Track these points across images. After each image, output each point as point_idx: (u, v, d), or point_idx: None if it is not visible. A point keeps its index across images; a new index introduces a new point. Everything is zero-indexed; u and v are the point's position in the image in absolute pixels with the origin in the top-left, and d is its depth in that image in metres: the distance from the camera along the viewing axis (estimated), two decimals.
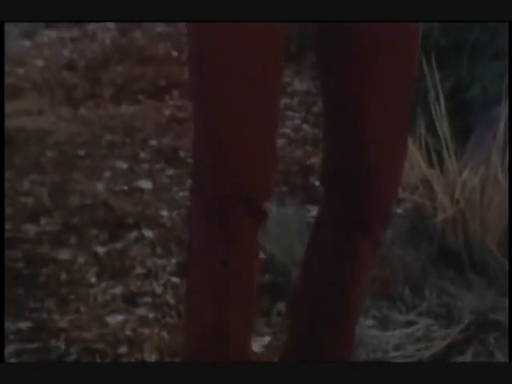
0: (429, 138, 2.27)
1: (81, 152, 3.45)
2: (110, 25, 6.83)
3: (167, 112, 4.03)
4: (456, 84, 3.26)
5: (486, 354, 1.78)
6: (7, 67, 5.43)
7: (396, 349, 1.82)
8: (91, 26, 6.84)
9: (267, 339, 2.03)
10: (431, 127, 2.28)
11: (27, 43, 6.22)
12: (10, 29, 6.54)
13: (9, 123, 3.81)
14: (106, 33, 6.49)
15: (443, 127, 2.24)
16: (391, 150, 1.38)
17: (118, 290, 2.31)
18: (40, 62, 5.57)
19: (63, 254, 2.52)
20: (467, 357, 1.76)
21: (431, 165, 2.24)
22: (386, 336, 1.88)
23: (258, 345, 1.99)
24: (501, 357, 1.77)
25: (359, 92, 1.38)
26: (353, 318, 1.49)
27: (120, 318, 2.17)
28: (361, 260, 1.44)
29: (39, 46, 6.06)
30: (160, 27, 5.99)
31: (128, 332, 2.10)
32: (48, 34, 6.53)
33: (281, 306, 2.14)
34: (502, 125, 2.22)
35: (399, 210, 2.34)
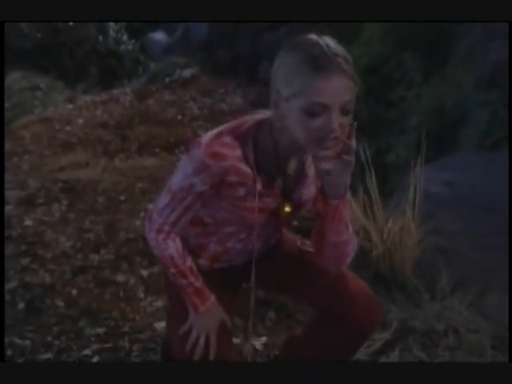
0: (365, 199, 2.32)
1: (122, 197, 3.46)
2: (128, 89, 6.83)
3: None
4: (377, 150, 3.36)
5: (408, 350, 1.84)
6: (58, 125, 5.46)
7: None
8: (115, 91, 6.85)
9: (264, 339, 2.07)
10: (367, 191, 2.35)
11: (70, 106, 6.19)
12: (56, 96, 6.53)
13: (69, 174, 3.88)
14: (126, 96, 6.48)
15: (374, 192, 2.31)
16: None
17: (159, 303, 2.33)
18: (81, 121, 5.55)
19: (119, 277, 2.55)
20: (395, 353, 1.81)
21: (367, 217, 2.30)
22: None
23: (258, 343, 2.04)
24: (415, 350, 1.83)
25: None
26: None
27: (163, 323, 2.17)
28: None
29: (79, 108, 6.03)
30: (167, 95, 6.02)
31: None
32: (85, 99, 6.51)
33: (271, 315, 2.19)
34: (412, 190, 2.25)
35: None
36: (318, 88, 1.09)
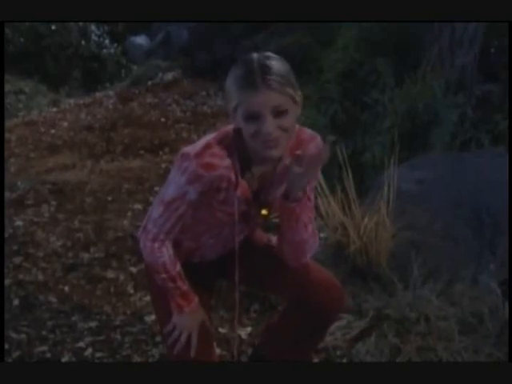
0: (343, 197, 2.38)
1: (109, 198, 3.51)
2: (111, 92, 6.83)
3: (163, 165, 4.08)
4: (354, 150, 3.43)
5: (383, 336, 1.91)
6: (43, 128, 5.47)
7: (329, 335, 1.90)
8: (98, 94, 6.85)
9: (249, 329, 2.14)
10: (344, 190, 2.41)
11: (54, 109, 6.18)
12: (40, 99, 6.51)
13: (56, 176, 3.91)
14: (109, 99, 6.49)
15: (351, 190, 2.37)
16: None
17: (148, 298, 2.32)
18: (65, 124, 5.56)
19: (110, 274, 2.61)
20: (372, 339, 1.90)
21: (345, 214, 2.36)
22: None
23: (243, 333, 2.10)
24: (390, 336, 1.90)
25: None
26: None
27: (153, 317, 2.20)
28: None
29: (63, 112, 6.03)
30: (150, 98, 6.06)
31: None
32: (68, 102, 6.51)
33: (255, 306, 2.26)
34: (386, 188, 2.31)
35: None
36: (248, 100, 1.22)
